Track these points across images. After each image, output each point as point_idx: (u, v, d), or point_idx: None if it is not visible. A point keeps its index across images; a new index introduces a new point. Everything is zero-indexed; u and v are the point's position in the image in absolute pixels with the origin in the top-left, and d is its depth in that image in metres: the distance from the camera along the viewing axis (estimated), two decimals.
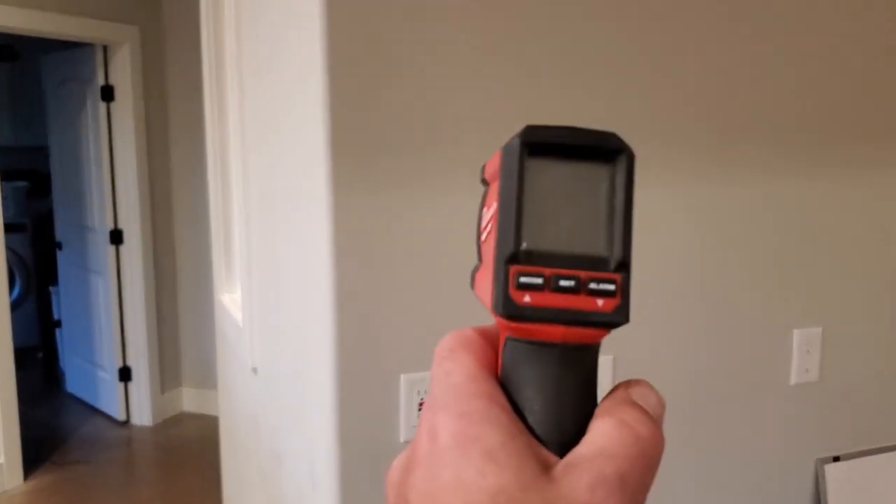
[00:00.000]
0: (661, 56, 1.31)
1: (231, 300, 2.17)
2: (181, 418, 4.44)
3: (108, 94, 4.08)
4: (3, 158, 5.07)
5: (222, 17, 1.97)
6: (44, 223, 5.28)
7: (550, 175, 0.28)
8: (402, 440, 1.18)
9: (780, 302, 1.48)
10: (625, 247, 0.28)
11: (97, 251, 4.29)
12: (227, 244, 2.22)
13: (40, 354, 5.51)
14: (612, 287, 0.27)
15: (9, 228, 3.80)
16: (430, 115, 1.15)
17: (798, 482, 1.56)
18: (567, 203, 0.28)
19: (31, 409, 4.29)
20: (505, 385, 0.29)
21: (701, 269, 1.41)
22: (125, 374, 4.30)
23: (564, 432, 0.28)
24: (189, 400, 4.51)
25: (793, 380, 1.51)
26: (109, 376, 4.35)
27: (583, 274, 0.27)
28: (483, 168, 0.31)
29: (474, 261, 0.31)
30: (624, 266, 0.27)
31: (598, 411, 0.28)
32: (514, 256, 0.27)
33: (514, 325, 0.28)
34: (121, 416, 4.33)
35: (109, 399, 4.38)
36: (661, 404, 0.29)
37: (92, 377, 4.51)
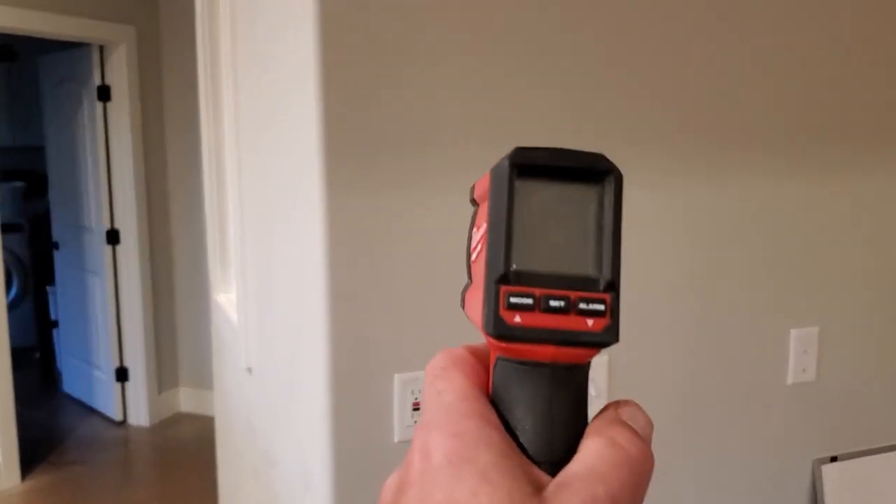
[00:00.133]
0: (662, 56, 1.31)
1: (226, 300, 2.16)
2: (178, 419, 4.43)
3: (104, 94, 4.08)
4: (0, 159, 5.06)
5: (217, 17, 1.96)
6: (41, 223, 5.27)
7: (540, 196, 0.28)
8: (395, 440, 1.17)
9: (776, 302, 1.48)
10: (614, 267, 0.28)
11: (94, 251, 4.29)
12: (223, 244, 2.21)
13: (37, 355, 5.51)
14: (601, 307, 0.28)
15: (6, 229, 3.80)
16: (425, 116, 1.15)
17: (795, 482, 1.56)
18: (556, 224, 0.28)
19: (28, 409, 4.29)
20: (496, 404, 0.29)
21: (697, 270, 1.40)
22: (122, 375, 4.30)
23: (555, 451, 0.28)
24: (186, 400, 4.51)
25: (790, 380, 1.50)
26: (106, 376, 4.35)
27: (572, 294, 0.28)
28: (472, 188, 0.32)
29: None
30: (613, 286, 0.28)
31: (588, 431, 0.29)
32: (504, 277, 0.28)
33: (504, 345, 0.28)
34: (118, 417, 4.33)
35: (106, 399, 4.38)
36: (650, 424, 0.30)
37: (89, 377, 4.51)
